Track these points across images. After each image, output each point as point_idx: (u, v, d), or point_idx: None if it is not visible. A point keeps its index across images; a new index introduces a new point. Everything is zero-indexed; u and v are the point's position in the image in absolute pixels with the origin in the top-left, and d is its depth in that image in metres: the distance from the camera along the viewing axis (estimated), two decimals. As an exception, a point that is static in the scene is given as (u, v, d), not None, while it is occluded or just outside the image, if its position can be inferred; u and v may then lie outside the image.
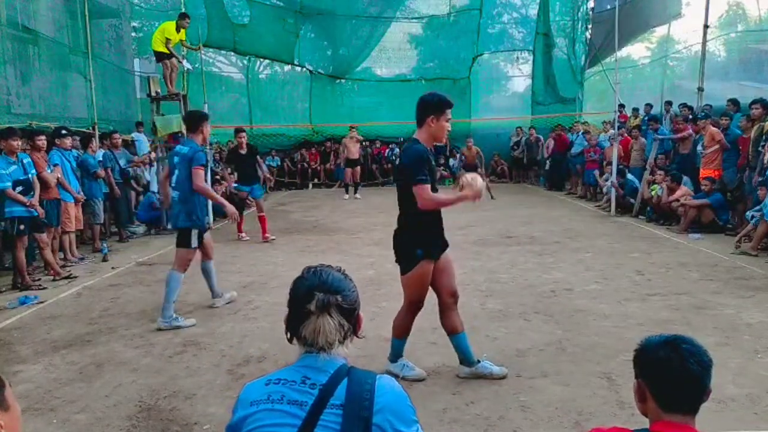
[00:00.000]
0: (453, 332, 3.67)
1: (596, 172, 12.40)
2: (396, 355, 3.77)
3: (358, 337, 1.50)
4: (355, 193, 14.38)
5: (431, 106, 3.45)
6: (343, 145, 14.87)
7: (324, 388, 1.36)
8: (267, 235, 9.00)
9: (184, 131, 10.06)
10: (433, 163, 3.52)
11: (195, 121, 5.31)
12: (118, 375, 3.93)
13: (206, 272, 5.48)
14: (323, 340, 1.39)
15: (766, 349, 4.03)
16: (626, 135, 12.03)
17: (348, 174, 14.59)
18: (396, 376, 3.49)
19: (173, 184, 5.11)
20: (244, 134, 9.35)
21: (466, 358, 3.69)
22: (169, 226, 10.18)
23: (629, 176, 10.93)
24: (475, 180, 3.40)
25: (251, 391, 1.43)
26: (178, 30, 9.86)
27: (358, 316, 1.48)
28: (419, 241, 3.48)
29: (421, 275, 3.50)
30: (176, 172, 5.05)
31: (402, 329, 3.72)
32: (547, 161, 15.73)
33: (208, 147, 11.24)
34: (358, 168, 14.76)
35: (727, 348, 4.07)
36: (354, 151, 14.45)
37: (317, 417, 1.32)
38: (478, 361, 3.70)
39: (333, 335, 1.39)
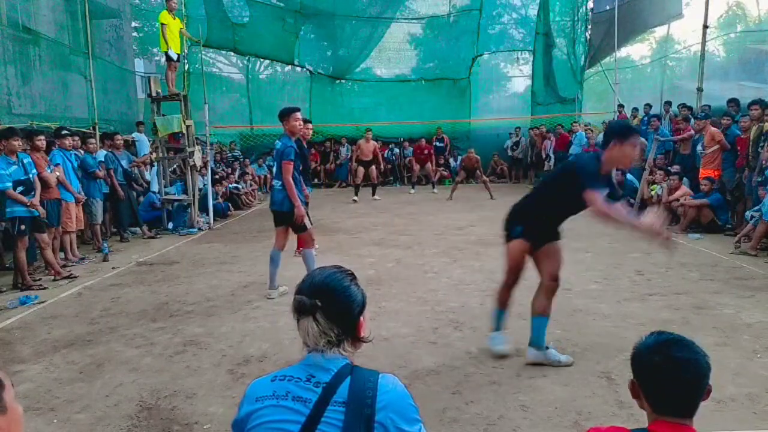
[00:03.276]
0: (540, 314, 3.87)
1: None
2: (497, 326, 4.13)
3: (362, 341, 1.49)
4: (373, 194, 14.05)
5: (616, 133, 3.56)
6: (357, 146, 14.79)
7: (327, 386, 1.37)
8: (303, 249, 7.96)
9: (185, 131, 10.17)
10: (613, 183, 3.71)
11: (282, 116, 5.76)
12: (118, 374, 3.93)
13: (274, 261, 5.79)
14: (311, 342, 1.41)
15: (765, 349, 4.04)
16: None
17: (360, 174, 14.37)
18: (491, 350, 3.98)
19: (275, 175, 5.76)
20: (310, 125, 7.95)
21: (537, 343, 3.87)
22: (170, 226, 10.22)
23: (629, 176, 10.93)
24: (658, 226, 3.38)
25: (257, 387, 1.46)
26: (171, 13, 9.81)
27: (358, 321, 1.46)
28: (526, 221, 3.80)
29: (511, 250, 3.85)
30: (274, 164, 5.84)
31: (499, 300, 4.12)
32: (546, 162, 15.76)
33: (213, 147, 11.23)
34: (373, 168, 14.50)
35: (727, 348, 4.08)
36: (367, 151, 14.30)
37: (321, 414, 1.34)
38: (547, 348, 3.86)
39: (318, 338, 1.40)
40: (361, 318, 1.48)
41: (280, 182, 5.60)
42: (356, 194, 13.90)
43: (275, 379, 1.44)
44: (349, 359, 1.44)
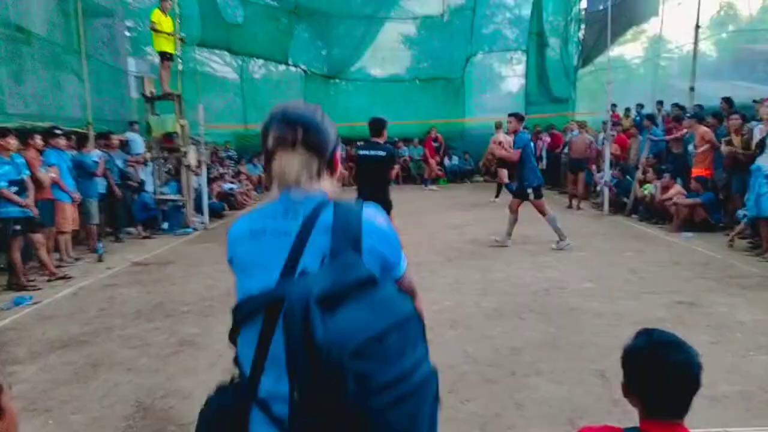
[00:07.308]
0: None
1: (594, 168, 12.38)
2: None
3: (338, 174, 1.45)
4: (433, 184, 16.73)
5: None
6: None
7: (308, 216, 1.32)
8: None
9: (179, 130, 10.13)
10: None
11: (520, 118, 7.90)
12: (114, 375, 3.93)
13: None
14: (291, 177, 1.35)
15: (758, 347, 4.08)
16: (621, 134, 12.06)
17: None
18: None
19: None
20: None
21: None
22: (165, 226, 10.17)
23: (628, 177, 10.95)
24: None
25: (235, 229, 1.42)
26: (164, 13, 9.78)
27: (334, 154, 1.41)
28: None
29: None
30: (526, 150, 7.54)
31: None
32: (539, 162, 15.77)
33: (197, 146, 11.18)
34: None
35: (720, 346, 4.11)
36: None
37: (305, 240, 1.30)
38: None
39: (300, 172, 1.35)
40: (336, 152, 1.43)
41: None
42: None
43: (251, 219, 1.40)
44: (326, 194, 1.39)
